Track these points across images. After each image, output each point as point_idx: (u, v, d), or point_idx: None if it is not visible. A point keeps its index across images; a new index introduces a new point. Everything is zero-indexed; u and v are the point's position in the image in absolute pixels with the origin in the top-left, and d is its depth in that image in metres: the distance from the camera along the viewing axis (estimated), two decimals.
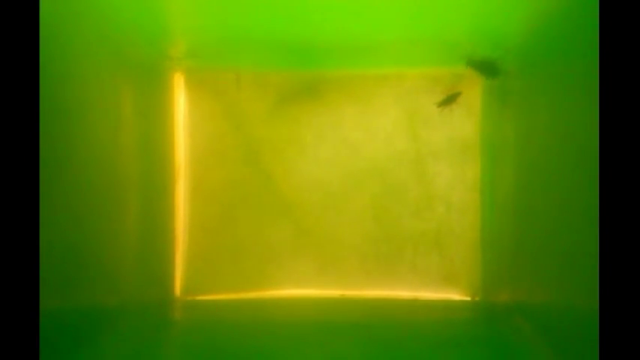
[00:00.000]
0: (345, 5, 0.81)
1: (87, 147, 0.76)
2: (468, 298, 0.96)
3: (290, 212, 0.98)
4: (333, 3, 0.81)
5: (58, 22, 0.68)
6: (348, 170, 0.98)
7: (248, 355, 0.73)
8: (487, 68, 0.90)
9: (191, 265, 0.97)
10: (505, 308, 0.90)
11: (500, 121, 0.94)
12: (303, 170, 0.98)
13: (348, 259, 0.97)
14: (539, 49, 0.81)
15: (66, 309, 0.71)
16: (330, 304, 0.95)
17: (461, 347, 0.76)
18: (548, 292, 0.77)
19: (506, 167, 0.93)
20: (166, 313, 0.94)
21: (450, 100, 0.96)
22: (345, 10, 0.83)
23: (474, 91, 0.96)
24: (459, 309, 0.93)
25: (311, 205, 0.98)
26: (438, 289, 0.96)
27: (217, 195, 0.98)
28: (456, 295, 0.96)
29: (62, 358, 0.67)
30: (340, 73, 0.98)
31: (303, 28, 0.88)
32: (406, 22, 0.86)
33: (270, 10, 0.82)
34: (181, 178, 0.98)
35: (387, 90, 0.98)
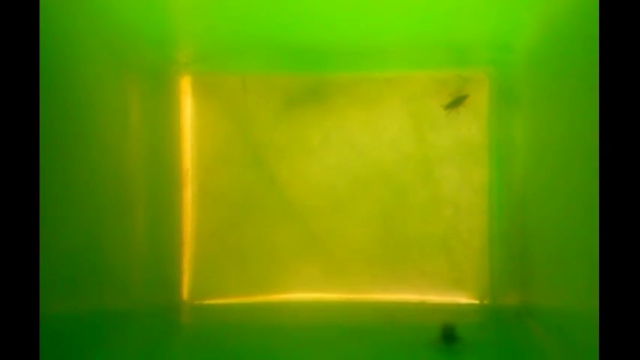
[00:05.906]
0: (351, 8, 0.81)
1: (94, 151, 0.77)
2: (476, 302, 0.95)
3: (297, 216, 0.98)
4: (339, 7, 0.81)
5: (65, 26, 0.68)
6: (355, 173, 0.98)
7: (255, 358, 0.73)
8: None
9: (198, 269, 0.98)
10: (514, 311, 0.90)
11: (508, 124, 0.94)
12: (309, 174, 0.98)
13: (355, 263, 0.97)
14: (547, 52, 0.81)
15: (74, 313, 0.71)
16: (337, 307, 0.95)
17: (469, 351, 0.76)
18: (557, 295, 0.77)
19: (513, 170, 0.92)
20: (174, 317, 0.94)
21: (457, 102, 0.96)
22: (351, 13, 0.83)
23: (481, 94, 0.96)
24: (467, 312, 0.92)
25: (318, 208, 0.98)
26: (445, 292, 0.96)
27: (224, 199, 0.98)
28: (463, 299, 0.95)
29: None
30: (346, 76, 0.98)
31: (310, 31, 0.88)
32: (413, 24, 0.86)
33: (276, 14, 0.82)
34: (188, 182, 0.98)
35: (394, 93, 0.97)
